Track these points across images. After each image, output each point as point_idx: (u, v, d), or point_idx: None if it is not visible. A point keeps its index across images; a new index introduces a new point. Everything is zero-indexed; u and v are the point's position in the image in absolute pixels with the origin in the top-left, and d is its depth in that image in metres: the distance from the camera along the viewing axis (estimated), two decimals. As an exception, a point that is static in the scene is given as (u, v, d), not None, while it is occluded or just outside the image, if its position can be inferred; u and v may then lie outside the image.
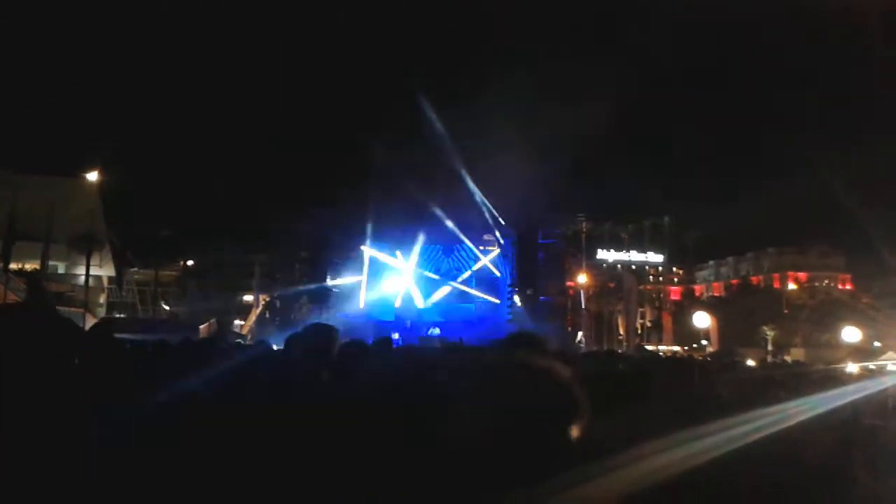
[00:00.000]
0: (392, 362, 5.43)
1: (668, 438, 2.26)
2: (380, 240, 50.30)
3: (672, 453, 2.12)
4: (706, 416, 2.82)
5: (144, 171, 52.00)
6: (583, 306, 55.58)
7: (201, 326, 36.89)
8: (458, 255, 51.63)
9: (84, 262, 37.23)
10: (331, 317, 45.73)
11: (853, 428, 3.78)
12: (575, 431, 1.72)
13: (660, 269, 78.00)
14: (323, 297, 50.07)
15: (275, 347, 4.83)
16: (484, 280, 51.70)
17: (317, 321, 3.94)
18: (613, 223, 72.49)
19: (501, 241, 51.31)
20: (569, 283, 56.97)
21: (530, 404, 1.79)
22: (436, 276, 50.45)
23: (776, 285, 74.68)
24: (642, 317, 64.51)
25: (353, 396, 3.34)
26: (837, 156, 78.85)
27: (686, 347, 51.59)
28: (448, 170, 47.80)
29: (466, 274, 51.12)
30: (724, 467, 2.56)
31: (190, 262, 56.74)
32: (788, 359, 31.10)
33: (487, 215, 49.72)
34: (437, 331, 42.28)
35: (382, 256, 49.94)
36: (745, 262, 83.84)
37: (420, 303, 49.22)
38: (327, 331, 3.81)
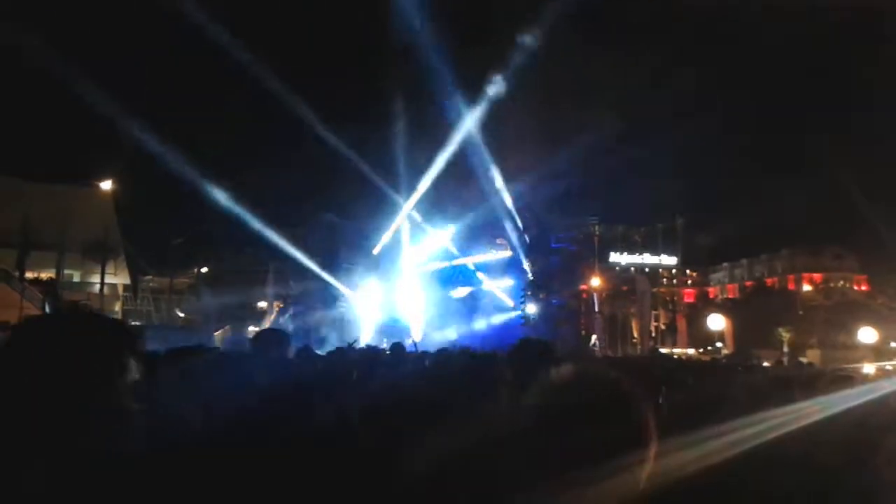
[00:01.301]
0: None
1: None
2: (393, 244, 50.40)
3: (681, 455, 2.12)
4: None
5: (158, 180, 52.25)
6: (596, 309, 55.41)
7: (216, 333, 37.04)
8: (471, 258, 51.64)
9: (99, 270, 37.48)
10: (345, 322, 45.84)
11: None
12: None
13: (673, 271, 77.70)
14: (337, 302, 50.12)
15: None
16: (497, 283, 51.72)
17: (273, 327, 4.16)
18: (626, 225, 72.34)
19: (514, 245, 51.31)
20: (582, 287, 56.83)
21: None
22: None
23: (791, 287, 74.30)
24: (656, 319, 64.28)
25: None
26: (851, 156, 78.48)
27: (701, 350, 51.32)
28: (461, 174, 47.84)
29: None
30: (733, 469, 2.55)
31: (204, 270, 56.95)
32: (804, 360, 30.87)
33: (500, 219, 49.76)
34: (454, 335, 42.26)
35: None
36: (758, 263, 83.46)
37: (432, 306, 49.21)
38: (279, 336, 4.06)
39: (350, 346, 7.96)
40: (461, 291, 50.40)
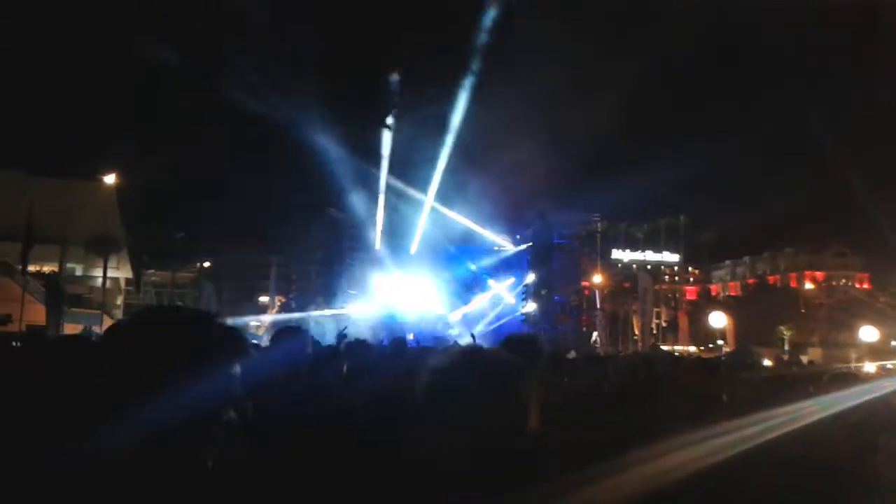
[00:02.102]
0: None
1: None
2: (394, 239, 50.36)
3: (680, 455, 2.13)
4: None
5: (161, 173, 52.25)
6: (598, 306, 55.39)
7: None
8: (472, 254, 51.62)
9: (101, 264, 37.50)
10: (345, 317, 45.82)
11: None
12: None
13: (675, 268, 77.72)
14: (338, 296, 50.10)
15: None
16: (498, 280, 51.71)
17: (290, 325, 4.15)
18: (629, 223, 72.25)
19: (516, 241, 51.33)
20: (584, 283, 56.81)
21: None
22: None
23: (793, 285, 74.35)
24: (658, 317, 64.27)
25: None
26: (854, 153, 78.30)
27: (702, 347, 51.38)
28: (461, 169, 47.81)
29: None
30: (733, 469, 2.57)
31: (206, 264, 57.00)
32: (805, 359, 30.90)
33: (502, 215, 49.74)
34: (456, 331, 42.25)
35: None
36: (761, 261, 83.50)
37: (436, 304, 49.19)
38: (301, 334, 4.09)
39: (341, 334, 7.88)
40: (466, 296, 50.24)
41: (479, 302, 49.93)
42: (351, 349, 7.21)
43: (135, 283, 44.96)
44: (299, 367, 3.74)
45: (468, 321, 44.11)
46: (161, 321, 1.58)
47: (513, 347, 3.53)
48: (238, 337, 1.62)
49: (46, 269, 37.41)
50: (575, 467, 1.66)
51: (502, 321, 46.34)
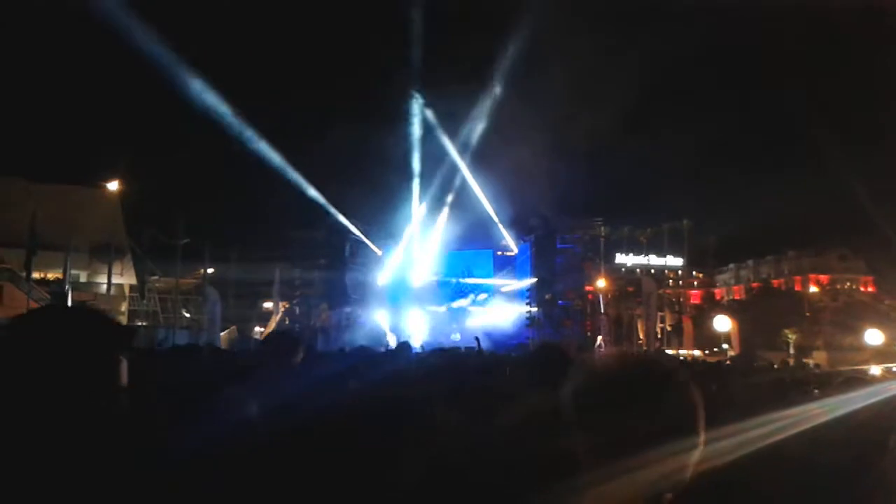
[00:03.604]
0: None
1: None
2: (397, 244, 50.38)
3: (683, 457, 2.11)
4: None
5: (165, 179, 52.39)
6: (602, 310, 55.30)
7: (222, 333, 37.14)
8: (476, 259, 51.65)
9: (105, 270, 37.56)
10: (350, 323, 45.88)
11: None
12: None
13: (679, 272, 77.63)
14: (342, 302, 50.07)
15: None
16: (502, 285, 51.70)
17: (283, 331, 4.16)
18: (632, 227, 72.19)
19: (519, 246, 51.32)
20: (587, 288, 56.72)
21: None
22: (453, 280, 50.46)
23: (797, 288, 74.19)
24: (662, 321, 64.12)
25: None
26: (857, 157, 78.29)
27: (706, 351, 51.22)
28: (465, 174, 47.85)
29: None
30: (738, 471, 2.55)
31: (210, 270, 56.95)
32: (809, 362, 30.84)
33: (505, 219, 49.78)
34: (457, 336, 42.25)
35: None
36: (765, 265, 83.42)
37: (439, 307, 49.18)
38: (291, 341, 4.09)
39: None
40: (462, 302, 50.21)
41: (482, 306, 49.91)
42: (393, 354, 7.26)
43: (139, 289, 45.01)
44: (290, 371, 3.76)
45: (471, 326, 44.02)
46: (48, 317, 1.67)
47: (547, 355, 3.54)
48: (122, 330, 1.71)
49: (51, 275, 37.48)
50: (576, 471, 1.65)
51: (506, 326, 46.30)
